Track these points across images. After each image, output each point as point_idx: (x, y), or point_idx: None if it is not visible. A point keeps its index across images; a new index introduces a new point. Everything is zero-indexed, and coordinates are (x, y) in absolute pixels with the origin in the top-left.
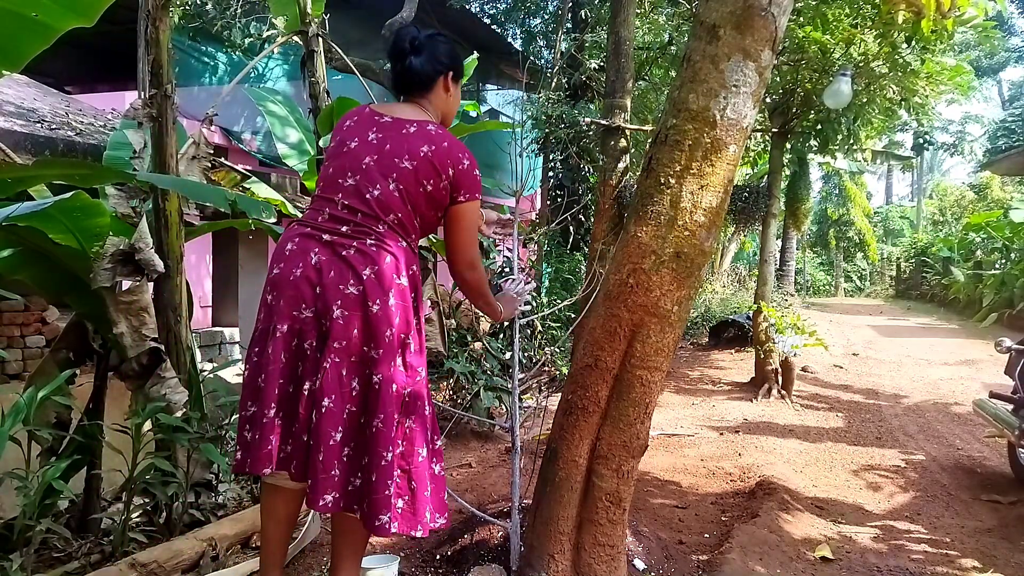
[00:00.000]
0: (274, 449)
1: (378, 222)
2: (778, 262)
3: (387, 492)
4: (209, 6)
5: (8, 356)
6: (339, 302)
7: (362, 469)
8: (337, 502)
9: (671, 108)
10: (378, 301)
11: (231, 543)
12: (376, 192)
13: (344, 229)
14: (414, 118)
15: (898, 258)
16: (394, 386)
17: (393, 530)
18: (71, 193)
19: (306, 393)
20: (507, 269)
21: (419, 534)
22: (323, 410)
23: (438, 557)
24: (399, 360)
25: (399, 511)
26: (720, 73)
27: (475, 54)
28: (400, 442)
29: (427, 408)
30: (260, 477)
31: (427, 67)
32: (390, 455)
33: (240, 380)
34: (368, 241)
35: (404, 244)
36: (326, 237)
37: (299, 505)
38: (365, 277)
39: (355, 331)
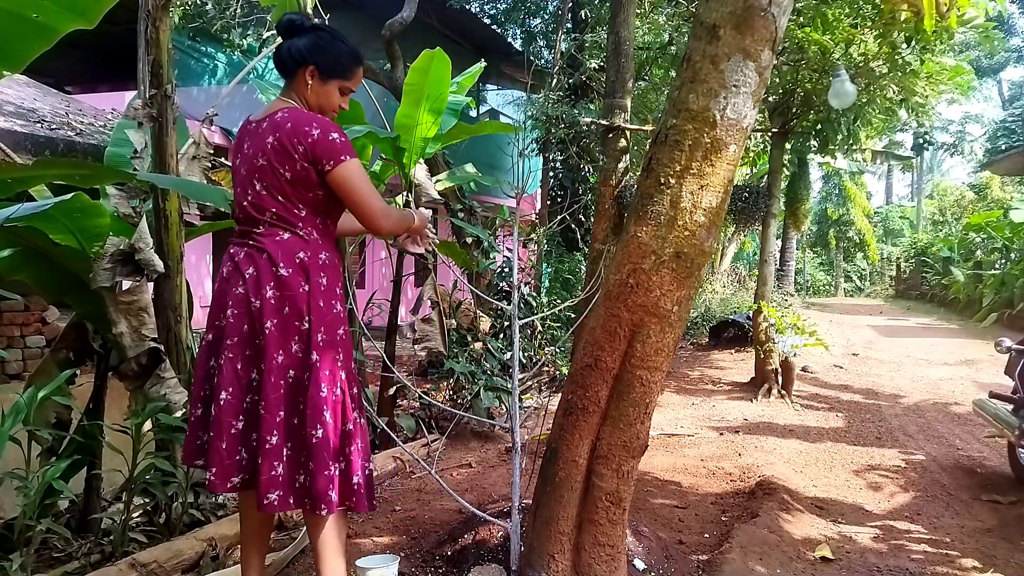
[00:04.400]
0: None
1: (257, 223)
2: (778, 262)
3: (273, 473)
4: (209, 6)
5: (8, 356)
6: (231, 303)
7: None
8: (245, 483)
9: (671, 108)
10: (258, 296)
11: (231, 543)
12: (250, 197)
13: (239, 240)
14: (272, 111)
15: (898, 258)
16: (291, 372)
17: (280, 506)
18: (72, 194)
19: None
20: (507, 269)
21: (324, 513)
22: (221, 403)
23: (438, 557)
24: (294, 347)
25: (296, 487)
26: (720, 73)
27: (482, 61)
28: (293, 422)
29: (329, 391)
30: None
31: (287, 56)
32: (274, 439)
33: None
34: (249, 242)
35: (287, 236)
36: (231, 250)
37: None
38: (247, 277)
39: (244, 327)
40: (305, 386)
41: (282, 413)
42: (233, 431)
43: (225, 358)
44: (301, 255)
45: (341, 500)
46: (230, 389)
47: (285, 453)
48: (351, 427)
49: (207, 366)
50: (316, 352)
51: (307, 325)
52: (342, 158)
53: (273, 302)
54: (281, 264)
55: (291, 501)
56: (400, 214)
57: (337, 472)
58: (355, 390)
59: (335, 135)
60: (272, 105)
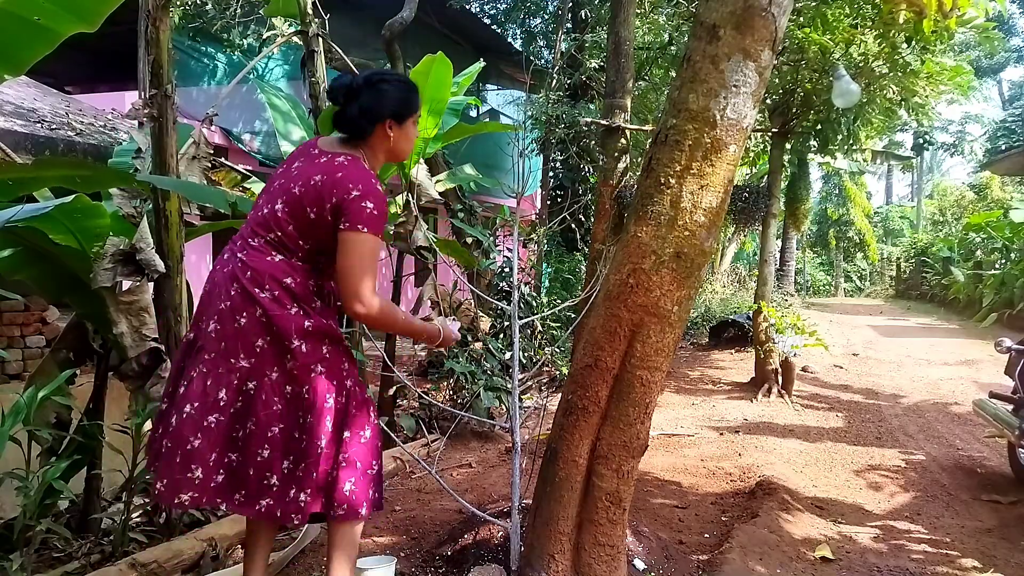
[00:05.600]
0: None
1: (256, 236)
2: (778, 262)
3: (266, 482)
4: (209, 6)
5: (8, 356)
6: (216, 316)
7: (230, 466)
8: (195, 500)
9: (671, 108)
10: (244, 315)
11: (231, 543)
12: (264, 211)
13: (234, 246)
14: (336, 151)
15: (898, 258)
16: (288, 388)
17: (267, 515)
18: (72, 196)
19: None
20: (507, 269)
21: (341, 513)
22: (184, 416)
23: (438, 557)
24: (288, 363)
25: (286, 501)
26: (720, 73)
27: (481, 61)
28: (294, 436)
29: (324, 403)
30: None
31: (360, 118)
32: (266, 452)
33: None
34: (240, 255)
35: (278, 258)
36: (225, 256)
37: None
38: (233, 293)
39: (223, 344)
40: (305, 398)
41: (277, 428)
42: (190, 447)
43: (198, 371)
44: (288, 281)
45: (340, 505)
46: (196, 404)
47: (285, 466)
48: (356, 433)
49: (180, 364)
50: (322, 365)
51: (300, 343)
52: (360, 227)
53: (264, 320)
54: (267, 286)
55: (279, 514)
56: (409, 323)
57: (341, 476)
58: (361, 394)
59: (371, 205)
60: (337, 144)
